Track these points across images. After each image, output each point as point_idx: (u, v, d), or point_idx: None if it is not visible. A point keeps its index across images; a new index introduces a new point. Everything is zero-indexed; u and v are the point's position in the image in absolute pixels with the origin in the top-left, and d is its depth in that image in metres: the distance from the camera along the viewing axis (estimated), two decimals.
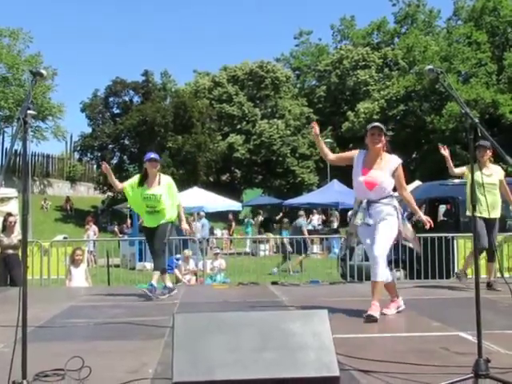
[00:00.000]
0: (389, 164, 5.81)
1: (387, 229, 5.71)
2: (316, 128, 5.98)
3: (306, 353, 3.16)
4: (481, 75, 38.77)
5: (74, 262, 9.99)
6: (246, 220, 29.93)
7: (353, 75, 44.53)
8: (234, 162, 43.39)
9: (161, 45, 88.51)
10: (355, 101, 43.66)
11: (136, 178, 7.87)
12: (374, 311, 5.49)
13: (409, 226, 6.07)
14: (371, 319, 5.41)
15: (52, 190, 39.54)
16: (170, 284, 7.94)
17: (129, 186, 7.82)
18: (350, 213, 6.22)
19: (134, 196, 7.78)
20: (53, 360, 3.85)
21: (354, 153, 5.99)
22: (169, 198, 7.68)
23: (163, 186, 7.68)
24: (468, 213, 7.99)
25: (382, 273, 5.64)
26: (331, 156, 6.24)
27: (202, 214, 22.41)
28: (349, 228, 6.28)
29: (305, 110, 44.81)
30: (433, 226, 6.06)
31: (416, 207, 6.26)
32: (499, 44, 42.20)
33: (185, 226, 8.02)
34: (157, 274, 7.63)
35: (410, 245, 5.94)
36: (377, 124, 5.85)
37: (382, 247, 5.64)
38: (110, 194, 37.00)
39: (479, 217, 7.41)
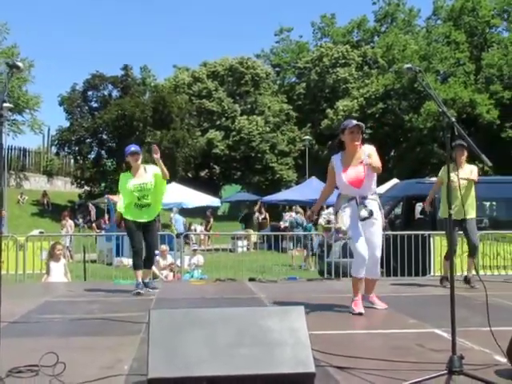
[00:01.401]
0: (364, 155, 5.87)
1: (380, 227, 5.98)
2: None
3: (283, 349, 3.16)
4: (459, 75, 39.13)
5: (54, 256, 9.83)
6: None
7: (332, 73, 44.68)
8: (213, 157, 43.35)
9: (141, 39, 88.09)
10: (334, 98, 43.82)
11: (123, 179, 7.74)
12: (382, 303, 6.16)
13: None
14: (361, 314, 5.78)
15: (28, 184, 39.11)
16: (147, 279, 7.94)
17: (121, 189, 7.73)
18: (332, 209, 6.27)
19: (127, 193, 7.67)
20: (27, 356, 3.81)
21: (331, 165, 6.05)
22: (160, 189, 7.67)
23: (150, 174, 7.63)
24: (440, 215, 8.06)
25: (379, 271, 6.23)
26: (328, 191, 6.41)
27: (175, 209, 22.35)
28: (334, 224, 6.35)
29: (284, 107, 44.89)
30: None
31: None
32: (477, 44, 42.63)
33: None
34: (148, 271, 7.75)
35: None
36: (358, 122, 5.91)
37: (380, 248, 5.97)
38: (87, 188, 36.73)
39: (453, 219, 7.49)
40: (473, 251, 8.04)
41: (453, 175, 7.22)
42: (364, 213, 5.75)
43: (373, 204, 5.89)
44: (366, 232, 5.83)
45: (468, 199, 7.89)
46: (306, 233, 17.65)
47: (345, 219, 5.77)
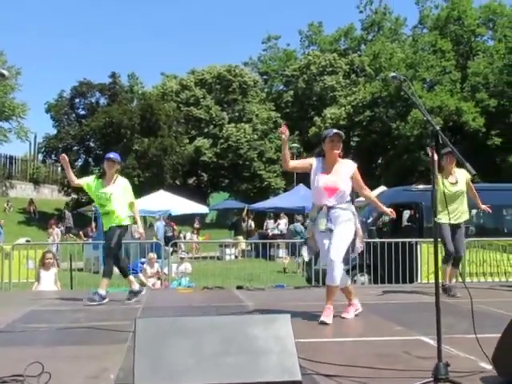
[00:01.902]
0: (345, 168, 5.94)
1: (343, 234, 5.80)
2: (286, 132, 5.61)
3: (269, 357, 3.16)
4: (445, 83, 39.39)
5: (44, 265, 9.82)
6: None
7: (320, 81, 44.82)
8: (201, 165, 43.31)
9: (128, 47, 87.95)
10: (322, 106, 43.97)
11: (92, 178, 7.75)
12: (328, 316, 5.67)
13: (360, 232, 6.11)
14: (325, 324, 5.59)
15: (15, 192, 38.84)
16: (135, 287, 7.85)
17: (86, 184, 7.66)
18: (308, 219, 6.23)
19: (91, 194, 7.69)
20: (11, 365, 3.78)
21: (311, 160, 6.06)
22: (122, 200, 7.56)
23: (117, 185, 7.57)
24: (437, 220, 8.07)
25: (339, 277, 5.75)
26: (291, 163, 6.11)
27: (157, 217, 22.34)
28: (307, 233, 6.32)
29: (272, 115, 44.98)
30: (395, 214, 6.13)
31: (379, 203, 6.50)
32: (463, 52, 42.98)
33: (141, 230, 7.97)
34: (104, 280, 7.54)
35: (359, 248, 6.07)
36: (337, 131, 5.95)
37: (338, 252, 5.72)
38: (74, 196, 36.55)
39: (445, 223, 7.54)
40: (456, 261, 8.06)
41: (442, 186, 7.31)
42: (322, 226, 5.75)
43: (341, 214, 5.82)
44: (330, 240, 5.80)
45: (463, 204, 7.95)
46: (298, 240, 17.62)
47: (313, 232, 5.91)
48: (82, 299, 7.45)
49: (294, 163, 6.31)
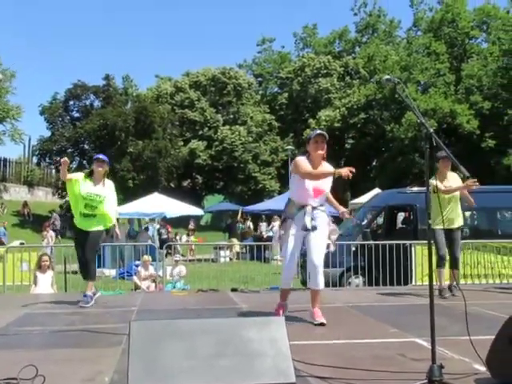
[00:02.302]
0: (326, 168, 5.94)
1: (323, 238, 5.86)
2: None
3: (263, 360, 3.16)
4: (439, 85, 39.49)
5: (41, 268, 9.84)
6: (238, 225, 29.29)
7: (314, 83, 44.88)
8: (196, 167, 43.29)
9: (123, 49, 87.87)
10: (317, 108, 44.03)
11: (81, 175, 7.61)
12: (323, 317, 5.77)
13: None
14: (324, 324, 5.67)
15: (9, 195, 38.73)
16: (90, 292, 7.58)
17: (75, 179, 7.51)
18: (283, 215, 6.14)
19: (75, 192, 7.47)
20: (5, 368, 3.77)
21: (302, 158, 5.98)
22: (112, 203, 7.57)
23: (108, 188, 7.56)
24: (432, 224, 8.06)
25: (323, 281, 5.84)
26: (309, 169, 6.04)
27: (146, 219, 22.32)
28: (281, 231, 6.20)
29: (267, 117, 45.00)
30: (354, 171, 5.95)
31: (337, 204, 6.37)
32: (457, 55, 43.11)
33: (117, 230, 7.94)
34: (91, 283, 7.49)
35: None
36: (321, 132, 5.96)
37: (320, 257, 5.77)
38: (68, 199, 36.42)
39: (439, 228, 7.58)
40: (454, 263, 8.10)
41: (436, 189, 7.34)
42: (308, 224, 5.74)
43: (321, 215, 5.88)
44: (308, 242, 5.80)
45: (457, 209, 7.99)
46: None
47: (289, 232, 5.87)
48: (78, 302, 7.39)
49: (303, 168, 5.98)
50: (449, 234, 7.87)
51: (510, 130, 37.49)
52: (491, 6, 42.90)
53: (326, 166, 5.98)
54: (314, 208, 5.83)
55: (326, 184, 5.92)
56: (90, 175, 7.57)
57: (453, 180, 8.02)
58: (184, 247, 22.38)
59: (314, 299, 5.88)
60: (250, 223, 29.04)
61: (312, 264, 5.75)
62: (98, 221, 7.45)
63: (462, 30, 42.23)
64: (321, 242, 5.81)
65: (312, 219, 5.77)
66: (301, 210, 5.83)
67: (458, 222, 8.08)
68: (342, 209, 6.33)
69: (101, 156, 7.71)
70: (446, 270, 8.50)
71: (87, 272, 7.49)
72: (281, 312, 6.02)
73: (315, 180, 5.85)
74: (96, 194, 7.43)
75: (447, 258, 8.00)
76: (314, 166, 5.88)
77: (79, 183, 7.48)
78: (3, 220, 31.01)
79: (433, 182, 7.97)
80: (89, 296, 7.40)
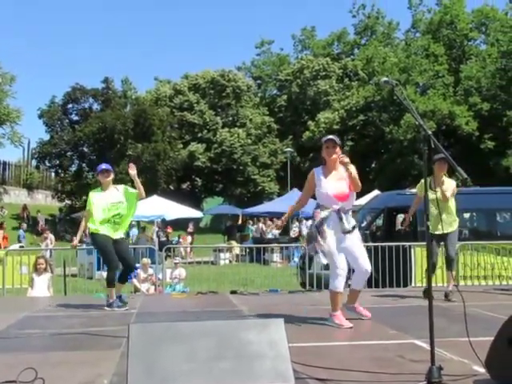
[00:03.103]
0: (343, 171, 5.97)
1: (361, 241, 6.13)
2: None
3: (262, 362, 3.16)
4: (438, 87, 39.52)
5: (37, 270, 9.84)
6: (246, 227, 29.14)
7: (313, 85, 44.89)
8: (195, 170, 43.29)
9: (122, 52, 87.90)
10: (316, 110, 44.02)
11: (91, 198, 7.57)
12: (366, 311, 6.30)
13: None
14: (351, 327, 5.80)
15: (8, 198, 38.71)
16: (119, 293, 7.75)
17: (90, 210, 7.55)
18: (316, 221, 6.10)
19: (98, 204, 7.46)
20: (5, 371, 3.78)
21: (311, 174, 6.08)
22: (127, 207, 7.57)
23: (121, 193, 7.58)
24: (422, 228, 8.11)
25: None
26: (303, 201, 6.44)
27: (133, 223, 22.35)
28: (312, 234, 6.16)
29: (266, 119, 45.01)
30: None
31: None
32: (456, 56, 43.14)
33: None
34: (121, 285, 7.64)
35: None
36: (331, 137, 6.01)
37: (368, 261, 6.04)
38: (67, 202, 36.44)
39: (433, 234, 7.58)
40: (448, 264, 8.09)
41: (430, 193, 7.32)
42: (348, 226, 5.82)
43: (352, 219, 5.98)
44: (350, 245, 5.86)
45: (447, 214, 7.93)
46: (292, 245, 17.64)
47: (326, 235, 5.82)
48: (103, 306, 7.45)
49: (303, 196, 6.44)
50: (443, 236, 7.82)
51: (509, 132, 37.54)
52: (490, 8, 42.96)
53: (342, 168, 5.96)
54: (346, 212, 5.89)
55: (346, 186, 5.90)
56: (100, 188, 7.59)
57: (446, 185, 7.97)
58: (185, 249, 22.38)
59: (356, 298, 6.24)
60: (251, 227, 28.92)
61: (363, 269, 5.97)
62: (123, 226, 7.61)
63: (460, 31, 42.28)
64: (363, 247, 6.10)
65: (349, 222, 5.88)
66: (334, 214, 5.85)
67: (452, 228, 8.01)
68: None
69: (104, 166, 7.68)
70: (445, 271, 8.53)
71: (127, 275, 7.73)
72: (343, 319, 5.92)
73: (304, 203, 6.39)
74: (119, 202, 7.47)
75: (438, 265, 8.07)
76: (330, 170, 5.97)
77: (96, 200, 7.49)
78: (6, 224, 31.07)
79: (417, 190, 8.08)
80: (124, 296, 7.71)
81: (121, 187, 7.69)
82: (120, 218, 7.48)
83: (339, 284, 5.81)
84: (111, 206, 7.44)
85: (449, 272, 8.18)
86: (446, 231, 7.62)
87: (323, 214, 5.88)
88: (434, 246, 7.75)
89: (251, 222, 29.05)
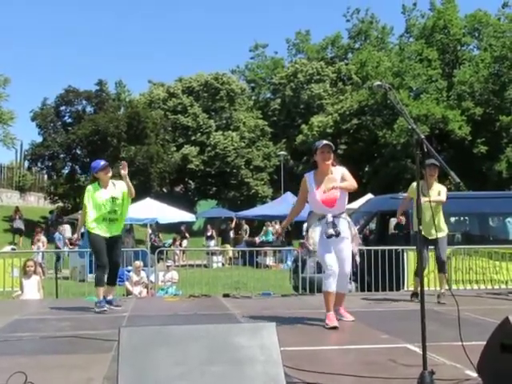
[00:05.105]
0: (337, 176, 6.11)
1: (349, 246, 6.17)
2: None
3: (254, 366, 3.14)
4: (431, 91, 39.62)
5: (26, 273, 9.79)
6: (265, 228, 28.94)
7: (307, 89, 44.94)
8: (188, 173, 43.22)
9: (116, 55, 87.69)
10: (309, 114, 44.06)
11: (90, 191, 7.54)
12: (351, 316, 6.39)
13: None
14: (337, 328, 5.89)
15: (0, 200, 38.55)
16: (110, 296, 7.76)
17: (87, 205, 7.52)
18: (306, 225, 6.42)
19: (96, 201, 7.44)
20: None
21: (304, 180, 6.20)
22: (123, 204, 7.56)
23: (118, 189, 7.54)
24: (414, 229, 8.15)
25: (349, 285, 6.50)
26: (299, 207, 6.55)
27: (127, 227, 22.29)
28: (306, 241, 6.39)
29: (259, 123, 45.01)
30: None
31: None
32: (449, 61, 43.27)
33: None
34: (111, 288, 7.62)
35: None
36: (327, 142, 6.10)
37: (350, 265, 6.20)
38: (60, 204, 36.31)
39: (424, 237, 7.61)
40: (441, 267, 8.15)
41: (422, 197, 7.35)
42: (331, 231, 5.94)
43: (342, 223, 6.08)
44: (335, 249, 6.01)
45: (437, 219, 8.00)
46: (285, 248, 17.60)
47: (314, 239, 5.97)
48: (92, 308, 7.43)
49: (299, 202, 6.53)
50: (432, 241, 7.86)
51: (502, 136, 37.66)
52: (483, 13, 43.09)
53: (336, 172, 6.11)
54: (335, 217, 6.01)
55: (337, 191, 5.99)
56: (98, 184, 7.55)
57: (438, 189, 8.02)
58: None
59: (341, 301, 6.34)
60: (246, 227, 28.86)
61: (343, 272, 6.06)
62: (119, 225, 7.57)
63: (453, 36, 42.40)
64: (349, 251, 6.15)
65: (334, 226, 5.95)
66: (322, 220, 6.03)
67: (442, 232, 8.04)
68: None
69: (103, 162, 7.67)
70: (435, 276, 8.57)
71: (114, 276, 7.68)
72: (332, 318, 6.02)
73: (301, 208, 6.45)
74: (114, 197, 7.46)
75: (427, 265, 8.17)
76: (322, 176, 6.07)
77: (94, 196, 7.46)
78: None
79: (408, 194, 8.12)
80: (114, 301, 7.61)
81: (118, 184, 7.63)
82: (116, 215, 7.46)
83: (329, 284, 5.97)
84: (106, 201, 7.42)
85: (442, 275, 8.22)
86: (438, 236, 7.66)
87: (313, 219, 6.10)
88: (424, 249, 7.82)
89: (269, 224, 28.82)
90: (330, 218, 5.95)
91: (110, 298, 7.62)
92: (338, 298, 6.24)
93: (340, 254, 6.04)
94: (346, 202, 6.21)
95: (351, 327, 6.03)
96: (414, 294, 8.17)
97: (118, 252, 7.66)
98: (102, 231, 7.42)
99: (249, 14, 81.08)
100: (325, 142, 6.10)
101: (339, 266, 6.00)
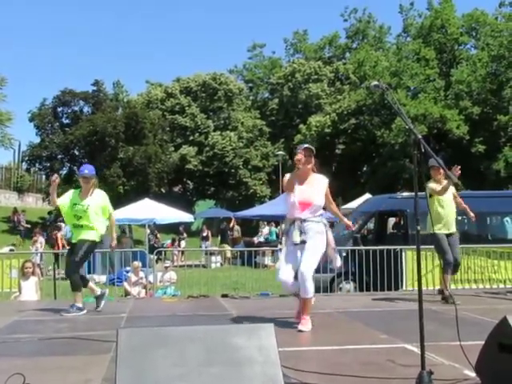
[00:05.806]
0: (319, 183, 6.06)
1: (315, 247, 5.89)
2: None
3: (252, 367, 3.14)
4: (429, 91, 39.62)
5: (24, 274, 9.78)
6: (269, 229, 28.94)
7: (305, 88, 44.96)
8: (187, 173, 43.22)
9: (114, 55, 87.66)
10: (307, 114, 44.06)
11: (69, 195, 7.53)
12: (306, 325, 5.82)
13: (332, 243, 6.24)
14: (303, 331, 5.72)
15: None
16: (97, 292, 7.72)
17: (61, 205, 7.48)
18: (283, 230, 6.46)
19: (66, 206, 7.42)
20: None
21: (290, 179, 6.05)
22: (98, 214, 7.41)
23: (94, 198, 7.41)
24: (428, 230, 8.01)
25: (312, 289, 5.87)
26: (289, 189, 6.25)
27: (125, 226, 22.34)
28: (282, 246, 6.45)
29: (257, 123, 45.02)
30: (353, 228, 6.36)
31: (342, 216, 6.72)
32: (447, 60, 43.28)
33: (113, 243, 7.89)
34: (78, 293, 7.43)
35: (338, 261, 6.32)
36: (308, 145, 6.08)
37: (308, 264, 5.81)
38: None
39: (442, 233, 7.66)
40: (455, 268, 8.17)
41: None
42: (296, 238, 5.86)
43: (313, 226, 5.92)
44: (301, 255, 5.89)
45: (454, 213, 8.09)
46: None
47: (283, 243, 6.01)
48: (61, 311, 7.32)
49: (288, 188, 6.21)
50: (448, 238, 7.93)
51: (500, 135, 37.68)
52: (480, 12, 43.09)
53: (317, 178, 6.07)
54: (303, 221, 5.90)
55: (315, 196, 5.96)
56: (80, 189, 7.53)
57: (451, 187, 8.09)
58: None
59: (303, 307, 5.95)
60: (237, 227, 28.89)
61: (300, 272, 5.80)
62: (82, 231, 7.33)
63: (451, 35, 42.41)
64: (312, 252, 5.86)
65: (301, 232, 5.86)
66: (292, 225, 5.96)
67: (454, 227, 8.16)
68: (346, 221, 6.59)
69: (86, 171, 7.52)
70: (435, 274, 8.55)
71: (72, 284, 7.45)
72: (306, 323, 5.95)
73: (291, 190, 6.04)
74: (81, 204, 7.35)
75: (428, 268, 8.16)
76: (301, 178, 5.99)
77: (65, 204, 7.44)
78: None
79: (432, 185, 7.95)
80: (75, 306, 7.31)
81: (97, 193, 7.50)
82: (82, 221, 7.31)
83: (305, 289, 5.81)
84: (76, 207, 7.33)
85: (450, 276, 8.22)
86: (451, 230, 7.82)
87: (285, 225, 6.22)
88: (446, 242, 7.92)
89: (273, 224, 28.80)
90: (298, 223, 5.89)
91: (75, 304, 7.43)
92: (302, 303, 6.01)
93: (302, 258, 5.86)
94: (322, 206, 6.08)
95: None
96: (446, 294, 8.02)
97: (70, 258, 7.41)
98: (71, 236, 7.57)
99: (246, 14, 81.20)
100: (305, 145, 6.08)
101: (299, 269, 5.79)
